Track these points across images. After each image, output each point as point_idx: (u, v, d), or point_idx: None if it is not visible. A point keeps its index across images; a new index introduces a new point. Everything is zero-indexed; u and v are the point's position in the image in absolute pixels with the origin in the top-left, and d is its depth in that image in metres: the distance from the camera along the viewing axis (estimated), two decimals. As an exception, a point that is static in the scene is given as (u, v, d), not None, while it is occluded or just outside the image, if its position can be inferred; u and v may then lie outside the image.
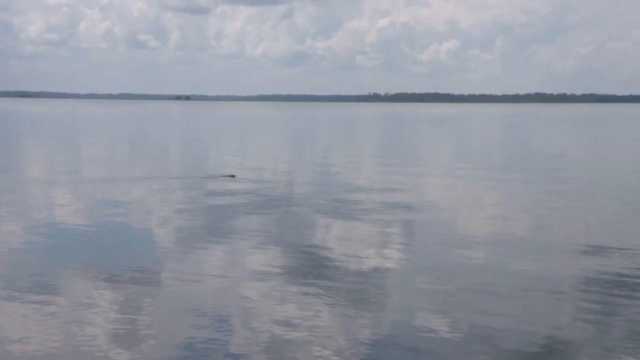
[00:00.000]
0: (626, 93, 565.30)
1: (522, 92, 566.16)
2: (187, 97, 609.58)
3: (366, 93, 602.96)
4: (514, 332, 11.54)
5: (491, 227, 21.09)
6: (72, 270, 15.04)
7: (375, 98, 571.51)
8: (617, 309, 12.86)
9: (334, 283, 14.22)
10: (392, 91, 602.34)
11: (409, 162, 43.28)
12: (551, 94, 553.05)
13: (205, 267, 15.40)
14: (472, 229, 20.61)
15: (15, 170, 34.94)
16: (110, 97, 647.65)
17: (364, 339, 11.11)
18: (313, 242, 18.28)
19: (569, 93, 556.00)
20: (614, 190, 30.11)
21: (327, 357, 10.32)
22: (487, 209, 25.00)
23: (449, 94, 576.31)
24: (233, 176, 29.94)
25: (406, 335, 11.36)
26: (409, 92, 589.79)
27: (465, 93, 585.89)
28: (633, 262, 16.22)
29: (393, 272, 15.46)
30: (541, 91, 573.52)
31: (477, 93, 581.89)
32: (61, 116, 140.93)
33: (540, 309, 12.87)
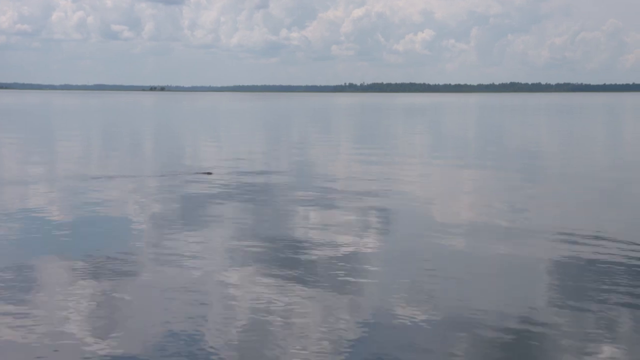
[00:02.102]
0: (600, 82, 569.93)
1: (497, 82, 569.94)
2: (162, 88, 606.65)
3: (342, 83, 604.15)
4: (491, 316, 11.59)
5: (467, 214, 21.18)
6: (46, 263, 14.90)
7: (351, 88, 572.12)
8: (592, 292, 12.97)
9: (311, 271, 14.23)
10: (368, 81, 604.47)
11: (385, 152, 43.29)
12: (526, 84, 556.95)
13: (182, 258, 15.28)
14: (449, 216, 20.73)
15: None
16: (84, 88, 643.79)
17: (342, 325, 11.11)
18: (290, 231, 18.25)
19: (543, 82, 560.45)
20: (588, 177, 30.36)
21: (303, 345, 10.31)
22: (463, 197, 25.14)
23: (424, 84, 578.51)
24: (210, 173, 28.77)
25: (384, 321, 11.37)
26: (384, 82, 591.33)
27: (441, 83, 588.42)
28: (606, 247, 16.36)
29: (370, 259, 15.46)
30: (516, 81, 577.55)
31: (453, 83, 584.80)
32: (34, 108, 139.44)
33: (517, 293, 12.95)
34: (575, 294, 12.89)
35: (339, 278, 13.79)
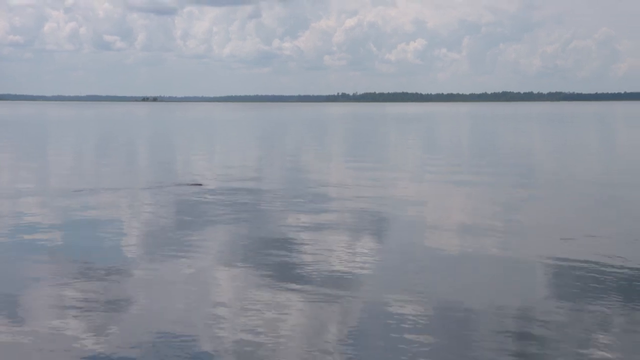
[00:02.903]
0: (592, 91, 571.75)
1: (489, 91, 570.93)
2: (155, 99, 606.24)
3: (334, 93, 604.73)
4: (485, 316, 11.76)
5: (460, 219, 21.34)
6: (35, 277, 14.79)
7: (343, 98, 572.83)
8: (585, 292, 13.17)
9: (304, 277, 14.30)
10: (360, 91, 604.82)
11: (379, 162, 43.43)
12: (518, 93, 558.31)
13: (172, 268, 15.28)
14: (441, 221, 20.91)
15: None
16: (77, 98, 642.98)
17: (335, 328, 11.23)
18: (281, 239, 18.27)
19: (535, 91, 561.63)
20: (580, 184, 30.57)
21: (298, 347, 10.36)
22: (455, 203, 25.28)
23: (416, 94, 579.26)
24: (199, 184, 28.38)
25: (377, 322, 11.55)
26: (377, 91, 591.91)
27: (433, 92, 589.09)
28: (598, 249, 16.64)
29: (364, 263, 15.55)
30: (508, 90, 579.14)
31: (445, 92, 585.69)
32: (26, 119, 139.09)
33: (511, 293, 13.15)
34: (569, 294, 13.06)
35: (333, 282, 13.88)
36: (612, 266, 15.18)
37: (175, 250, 16.82)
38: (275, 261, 15.81)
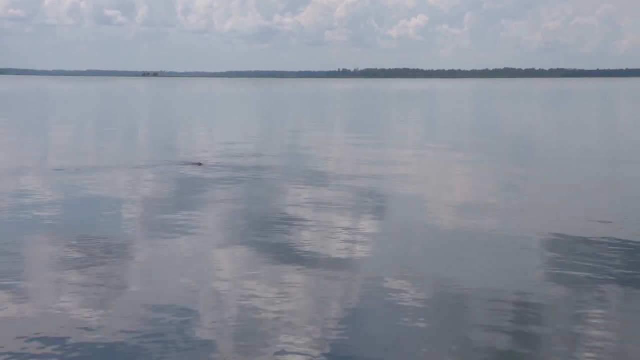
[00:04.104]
0: (593, 68, 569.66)
1: (491, 68, 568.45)
2: (155, 74, 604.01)
3: (335, 69, 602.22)
4: (483, 295, 11.80)
5: (459, 197, 21.53)
6: (36, 248, 14.98)
7: (344, 74, 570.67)
8: (584, 271, 13.18)
9: (303, 255, 14.29)
10: (362, 67, 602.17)
11: (379, 138, 43.37)
12: (520, 69, 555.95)
13: (170, 248, 15.28)
14: (440, 198, 21.02)
15: None
16: (78, 73, 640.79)
17: (334, 308, 11.26)
18: (285, 215, 18.33)
19: (537, 68, 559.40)
20: (581, 162, 30.57)
21: (294, 345, 10.19)
22: (455, 181, 25.36)
23: (418, 70, 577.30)
24: (200, 164, 27.72)
25: (376, 302, 11.54)
26: (378, 67, 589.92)
27: (435, 68, 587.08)
28: (598, 227, 16.68)
29: (363, 241, 15.66)
30: (510, 66, 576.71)
31: (447, 68, 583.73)
32: (27, 94, 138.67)
33: (510, 272, 13.19)
34: (568, 274, 13.06)
35: (332, 261, 13.90)
36: (612, 245, 15.21)
37: (173, 230, 16.73)
38: (275, 240, 15.81)
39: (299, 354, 9.62)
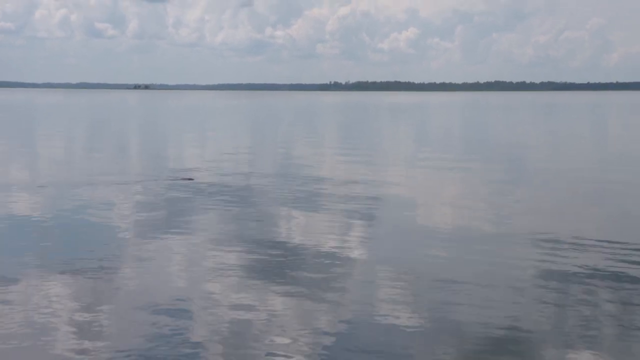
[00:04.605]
0: (584, 81, 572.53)
1: (482, 80, 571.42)
2: (146, 87, 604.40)
3: (327, 82, 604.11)
4: (475, 321, 11.55)
5: (452, 218, 21.12)
6: (29, 267, 14.74)
7: (336, 87, 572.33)
8: (577, 298, 12.93)
9: (295, 275, 14.15)
10: (353, 80, 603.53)
11: (370, 152, 43.24)
12: (510, 82, 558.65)
13: (164, 262, 15.24)
14: (433, 219, 20.64)
15: None
16: (68, 86, 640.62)
17: (325, 331, 11.07)
18: (274, 235, 18.06)
19: (528, 81, 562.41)
20: (572, 179, 30.28)
21: (287, 350, 10.23)
22: (447, 200, 25.00)
23: (409, 83, 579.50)
24: (191, 179, 27.29)
25: (367, 325, 11.36)
26: (369, 80, 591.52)
27: (426, 81, 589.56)
28: (591, 253, 16.25)
29: (354, 263, 15.37)
30: (501, 79, 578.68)
31: (438, 81, 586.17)
32: (16, 106, 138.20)
33: (501, 298, 12.90)
34: (560, 299, 12.85)
35: (322, 283, 13.69)
36: (605, 270, 15.08)
37: (162, 246, 16.58)
38: (266, 254, 15.70)
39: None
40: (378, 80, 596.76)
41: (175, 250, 16.23)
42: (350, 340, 10.67)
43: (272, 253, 15.94)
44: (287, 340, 10.53)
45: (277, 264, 15.07)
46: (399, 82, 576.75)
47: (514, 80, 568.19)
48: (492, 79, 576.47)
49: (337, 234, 18.21)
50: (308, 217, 20.48)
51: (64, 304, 12.29)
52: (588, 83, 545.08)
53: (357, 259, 15.73)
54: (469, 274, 14.43)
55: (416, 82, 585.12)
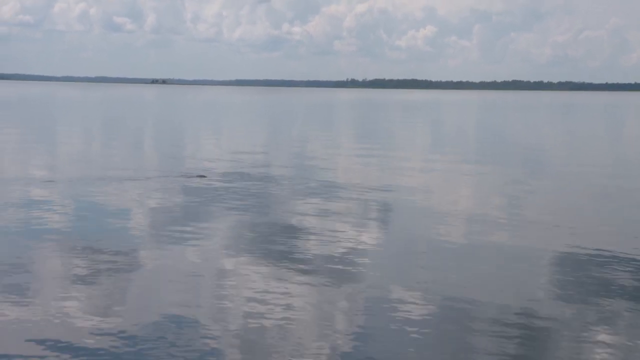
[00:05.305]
0: (602, 81, 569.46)
1: (499, 80, 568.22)
2: (164, 81, 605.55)
3: (343, 79, 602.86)
4: (490, 308, 11.71)
5: (467, 210, 21.33)
6: (43, 259, 14.88)
7: (352, 84, 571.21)
8: (591, 285, 13.17)
9: (310, 266, 14.31)
10: (370, 77, 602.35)
11: (386, 149, 43.14)
12: (528, 82, 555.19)
13: (182, 254, 15.38)
14: (448, 213, 20.71)
15: None
16: (86, 79, 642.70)
17: (340, 319, 11.26)
18: (290, 226, 18.25)
19: (545, 81, 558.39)
20: (588, 175, 30.35)
21: (302, 337, 10.38)
22: (462, 192, 25.21)
23: (426, 81, 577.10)
24: (203, 176, 27.01)
25: (382, 312, 11.48)
26: (386, 78, 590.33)
27: (443, 80, 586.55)
28: (605, 241, 16.55)
29: (370, 252, 15.60)
30: (518, 79, 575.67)
31: (455, 80, 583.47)
32: (35, 100, 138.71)
33: (516, 285, 13.08)
34: (574, 287, 13.00)
35: (339, 272, 13.85)
36: (619, 258, 15.11)
37: (172, 244, 16.54)
38: (280, 252, 15.64)
39: None
40: (395, 77, 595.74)
41: (183, 248, 16.18)
42: (364, 331, 10.75)
43: (286, 249, 15.96)
44: (303, 334, 10.59)
45: (292, 256, 15.15)
46: (416, 80, 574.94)
47: (532, 80, 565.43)
48: (509, 78, 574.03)
49: (352, 229, 18.22)
50: (322, 213, 20.45)
51: (78, 296, 12.33)
52: (606, 83, 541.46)
53: (373, 247, 15.99)
54: (483, 260, 14.65)
55: (433, 80, 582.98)
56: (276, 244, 16.41)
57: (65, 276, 13.70)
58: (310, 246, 16.16)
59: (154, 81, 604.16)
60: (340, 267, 14.27)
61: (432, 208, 21.50)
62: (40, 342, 10.24)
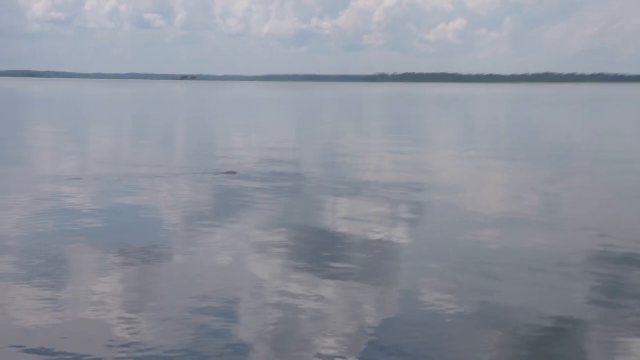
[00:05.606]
0: (635, 73, 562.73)
1: (530, 72, 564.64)
2: (194, 77, 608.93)
3: (373, 73, 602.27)
4: (523, 310, 11.36)
5: (499, 208, 20.77)
6: (77, 256, 14.85)
7: (382, 78, 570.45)
8: (629, 288, 12.73)
9: (341, 264, 14.10)
10: (400, 71, 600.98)
11: (417, 144, 42.86)
12: (560, 74, 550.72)
13: (212, 251, 15.33)
14: (480, 209, 20.30)
15: (16, 162, 32.49)
16: (117, 76, 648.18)
17: (371, 318, 11.06)
18: (321, 224, 18.00)
19: (578, 73, 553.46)
20: (624, 171, 29.48)
21: (330, 335, 10.27)
22: (495, 190, 24.64)
23: (456, 74, 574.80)
24: (234, 172, 26.71)
25: (414, 313, 11.28)
26: (416, 72, 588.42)
27: (473, 73, 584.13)
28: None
29: (401, 251, 15.32)
30: (550, 71, 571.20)
31: (485, 73, 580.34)
32: (66, 97, 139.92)
33: (551, 287, 12.66)
34: (611, 290, 12.58)
35: (369, 271, 13.62)
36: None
37: (203, 239, 16.37)
38: (309, 247, 15.58)
39: (334, 355, 9.63)
40: (425, 71, 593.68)
41: (220, 243, 16.15)
42: (396, 327, 10.61)
43: (317, 243, 15.87)
44: (334, 328, 10.52)
45: (323, 254, 14.93)
46: (446, 74, 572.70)
47: (564, 72, 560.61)
48: (541, 71, 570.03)
49: (384, 223, 18.08)
50: (353, 211, 20.08)
51: (112, 292, 12.38)
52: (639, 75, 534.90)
53: (404, 247, 15.66)
54: (516, 262, 14.12)
55: (463, 73, 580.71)
56: (306, 241, 16.22)
57: (95, 270, 13.77)
58: (340, 244, 15.89)
59: (184, 77, 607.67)
60: (371, 265, 14.04)
61: (466, 208, 20.87)
62: (73, 334, 10.36)
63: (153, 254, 14.98)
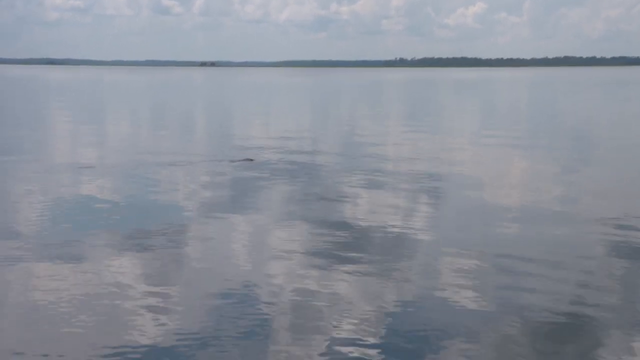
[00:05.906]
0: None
1: (551, 56, 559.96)
2: (213, 64, 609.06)
3: (392, 58, 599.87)
4: (541, 302, 11.18)
5: (519, 197, 20.46)
6: (96, 244, 14.79)
7: (401, 63, 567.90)
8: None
9: (360, 254, 13.96)
10: (419, 56, 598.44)
11: (436, 130, 42.67)
12: (581, 57, 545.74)
13: (227, 241, 15.27)
14: (500, 198, 20.07)
15: (34, 149, 32.74)
16: (136, 63, 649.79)
17: (389, 310, 10.93)
18: (337, 215, 17.73)
19: (598, 56, 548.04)
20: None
21: (351, 329, 10.14)
22: (515, 179, 24.28)
23: (476, 58, 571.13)
24: (251, 160, 26.58)
25: (432, 306, 11.13)
26: (435, 56, 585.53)
27: (493, 57, 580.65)
28: None
29: (419, 243, 15.04)
30: (571, 54, 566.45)
31: (505, 57, 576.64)
32: (85, 84, 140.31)
33: (569, 280, 12.40)
34: (631, 282, 12.36)
35: (387, 262, 13.46)
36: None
37: (220, 225, 16.40)
38: (329, 233, 15.57)
39: (352, 343, 9.63)
40: (444, 56, 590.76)
41: (238, 230, 16.18)
42: (413, 321, 10.46)
43: (335, 232, 15.70)
44: (351, 320, 10.43)
45: (341, 244, 14.81)
46: (466, 58, 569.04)
47: (584, 55, 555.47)
48: (561, 54, 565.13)
49: (402, 213, 17.90)
50: (372, 197, 20.00)
51: (130, 281, 12.36)
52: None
53: (422, 238, 15.38)
54: (536, 254, 13.87)
55: (483, 57, 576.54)
56: (323, 229, 16.02)
57: (112, 256, 13.82)
58: (357, 233, 15.81)
59: (203, 64, 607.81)
60: (386, 255, 13.90)
61: (486, 197, 20.58)
62: (95, 317, 10.54)
63: (170, 241, 14.95)
